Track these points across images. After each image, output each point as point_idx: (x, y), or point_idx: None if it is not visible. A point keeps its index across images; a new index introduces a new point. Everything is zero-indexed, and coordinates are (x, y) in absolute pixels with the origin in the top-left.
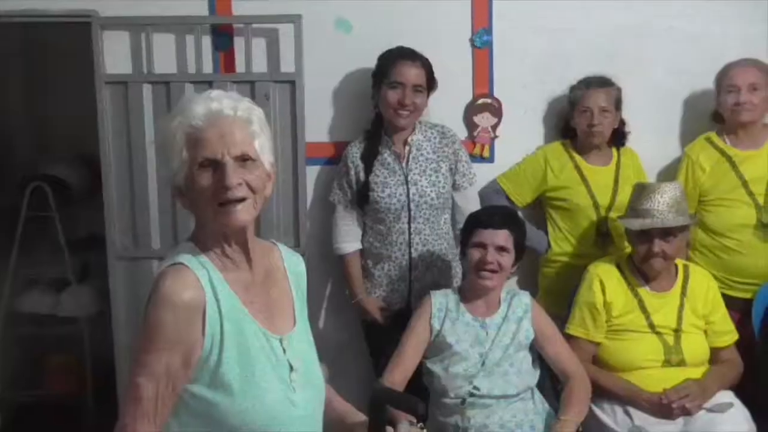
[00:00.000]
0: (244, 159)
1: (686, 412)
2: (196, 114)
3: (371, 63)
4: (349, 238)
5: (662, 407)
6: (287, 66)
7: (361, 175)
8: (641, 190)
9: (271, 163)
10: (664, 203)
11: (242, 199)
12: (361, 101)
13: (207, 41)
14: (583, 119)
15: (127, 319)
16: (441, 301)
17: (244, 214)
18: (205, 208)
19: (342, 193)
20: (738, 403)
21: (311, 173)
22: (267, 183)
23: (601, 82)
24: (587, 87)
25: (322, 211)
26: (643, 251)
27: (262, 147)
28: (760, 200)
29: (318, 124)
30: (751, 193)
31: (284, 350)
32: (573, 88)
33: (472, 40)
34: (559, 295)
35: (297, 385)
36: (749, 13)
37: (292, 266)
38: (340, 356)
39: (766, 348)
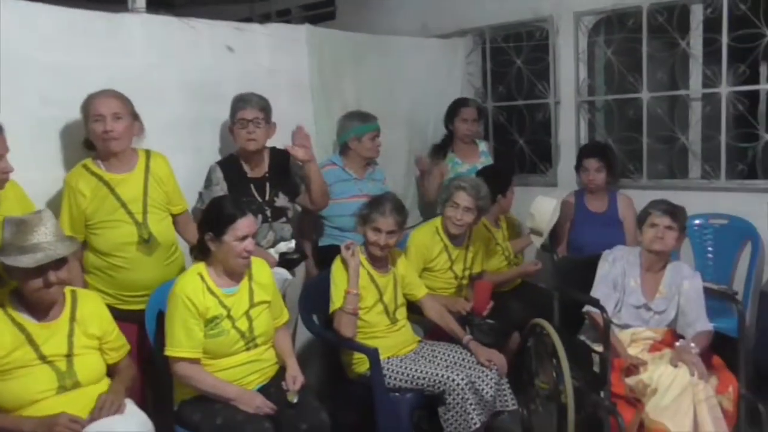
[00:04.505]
0: None
1: (74, 428)
2: None
3: None
4: None
5: (52, 428)
6: None
7: None
8: (20, 225)
9: None
10: (51, 234)
11: None
12: None
13: None
14: None
15: None
16: None
17: None
18: None
19: None
20: (132, 406)
21: None
22: None
23: None
24: None
25: None
26: (38, 285)
27: None
28: (139, 218)
29: None
30: (130, 213)
31: None
32: None
33: None
34: None
35: None
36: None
37: None
38: None
39: (158, 352)
